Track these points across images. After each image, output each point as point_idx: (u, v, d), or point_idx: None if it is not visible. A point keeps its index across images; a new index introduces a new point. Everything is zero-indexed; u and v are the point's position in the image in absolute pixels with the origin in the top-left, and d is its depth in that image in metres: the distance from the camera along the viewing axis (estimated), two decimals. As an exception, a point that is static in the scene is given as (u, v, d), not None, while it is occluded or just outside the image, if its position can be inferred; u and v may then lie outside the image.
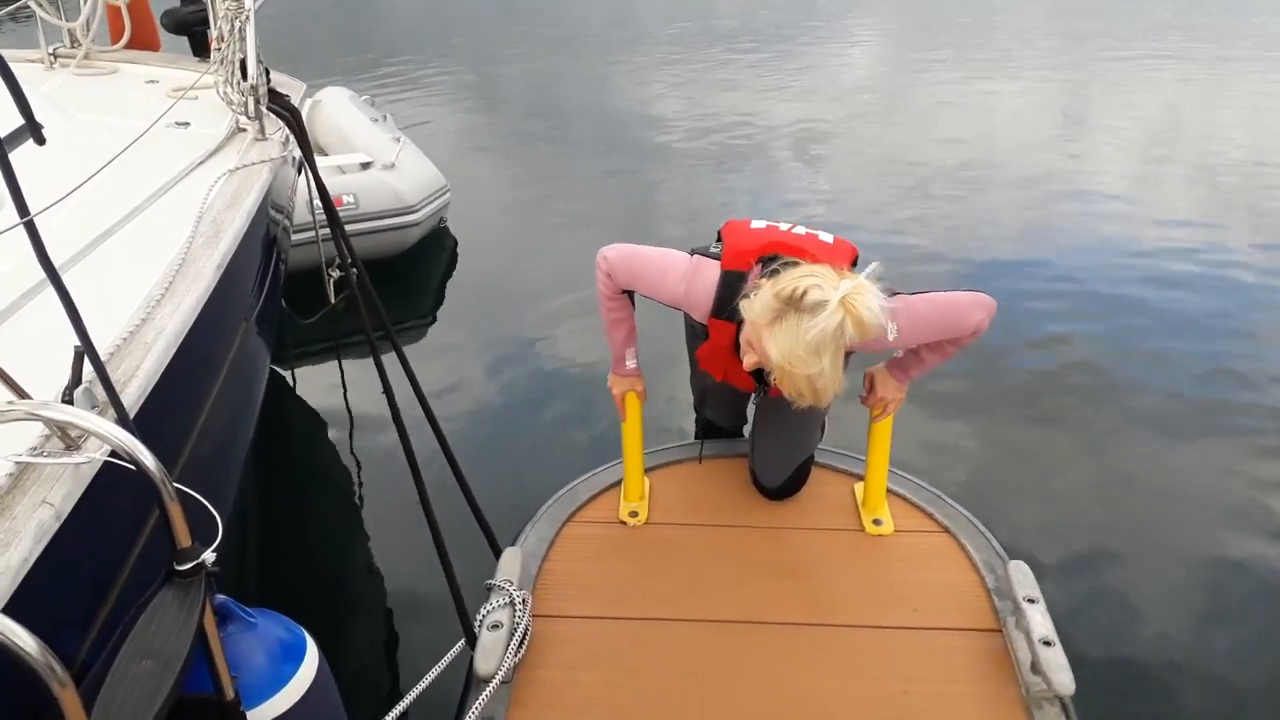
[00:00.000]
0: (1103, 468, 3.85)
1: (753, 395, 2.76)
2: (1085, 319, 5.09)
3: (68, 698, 1.11)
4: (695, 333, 2.61)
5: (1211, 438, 4.03)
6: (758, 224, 2.40)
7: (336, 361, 4.54)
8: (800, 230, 2.38)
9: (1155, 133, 8.91)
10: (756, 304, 2.04)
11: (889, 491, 2.88)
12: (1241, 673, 2.88)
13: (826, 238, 2.37)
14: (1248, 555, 3.34)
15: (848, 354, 2.15)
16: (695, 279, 2.31)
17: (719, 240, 2.42)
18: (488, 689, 2.16)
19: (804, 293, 1.94)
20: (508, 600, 2.37)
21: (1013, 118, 9.44)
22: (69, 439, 1.45)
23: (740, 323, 2.17)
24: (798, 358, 1.94)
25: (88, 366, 1.49)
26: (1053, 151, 8.29)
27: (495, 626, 2.30)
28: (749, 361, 2.14)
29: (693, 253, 2.41)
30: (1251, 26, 14.35)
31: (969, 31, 14.16)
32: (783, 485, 2.85)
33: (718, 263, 2.30)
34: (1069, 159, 8.09)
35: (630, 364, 2.69)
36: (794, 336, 1.94)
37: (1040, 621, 2.28)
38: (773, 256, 2.19)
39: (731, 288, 2.21)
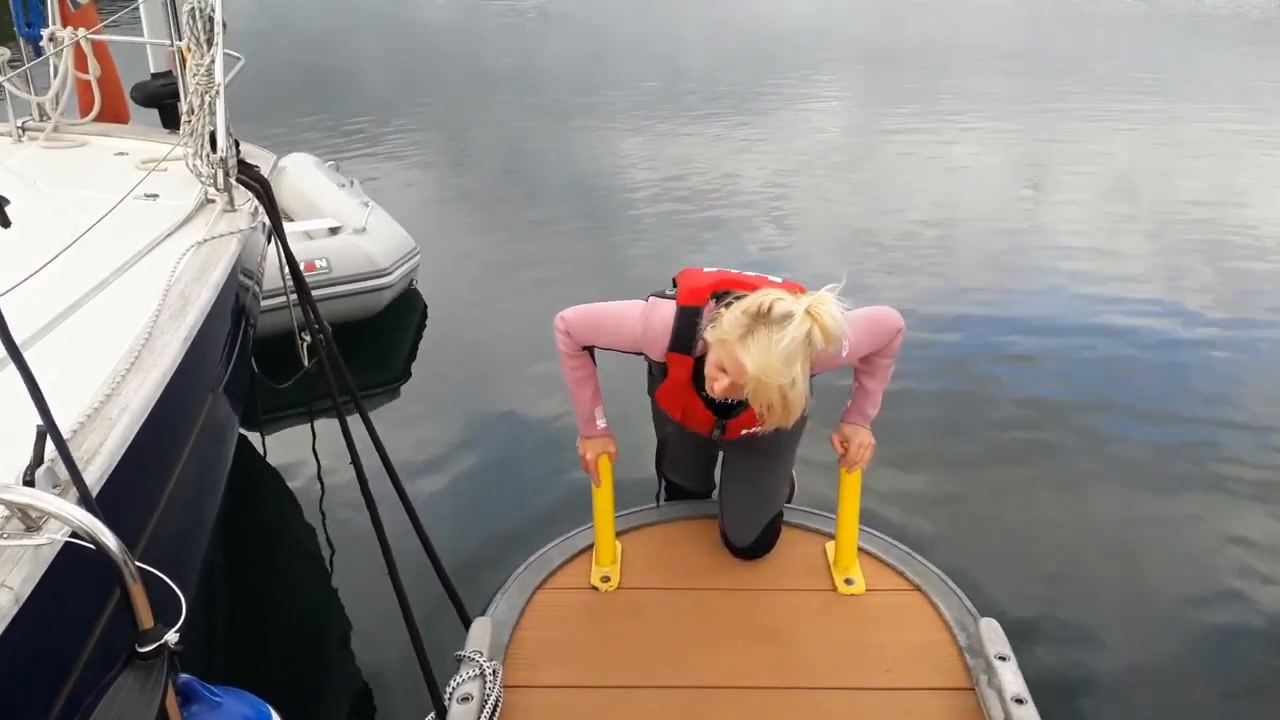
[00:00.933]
0: (1072, 521, 3.88)
1: (713, 438, 2.69)
2: (1051, 372, 5.16)
3: (23, 788, 1.09)
4: (654, 377, 2.65)
5: (1180, 488, 4.08)
6: (710, 269, 2.49)
7: (309, 426, 4.52)
8: (750, 273, 2.47)
9: (1116, 185, 9.13)
10: (725, 322, 2.16)
11: (860, 550, 2.89)
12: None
13: (776, 279, 2.45)
14: (1219, 609, 3.37)
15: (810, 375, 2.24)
16: (652, 317, 2.39)
17: (674, 285, 2.50)
18: (458, 763, 2.13)
19: (770, 306, 2.08)
20: (478, 672, 2.34)
21: (974, 173, 9.65)
22: (29, 520, 1.44)
23: (698, 357, 2.31)
24: (772, 368, 2.05)
25: (50, 446, 1.48)
26: (1014, 206, 8.46)
27: (465, 699, 2.28)
28: (721, 386, 2.20)
29: (648, 298, 2.49)
30: (1203, 80, 14.83)
31: (928, 89, 14.52)
32: (754, 544, 2.86)
33: (673, 301, 2.39)
34: (1030, 213, 8.26)
35: (600, 423, 2.72)
36: (767, 348, 2.05)
37: (1012, 679, 2.29)
38: (725, 292, 2.30)
39: (687, 322, 2.32)
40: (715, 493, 3.11)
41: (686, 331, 2.32)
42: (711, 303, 2.30)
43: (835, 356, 2.26)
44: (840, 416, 2.77)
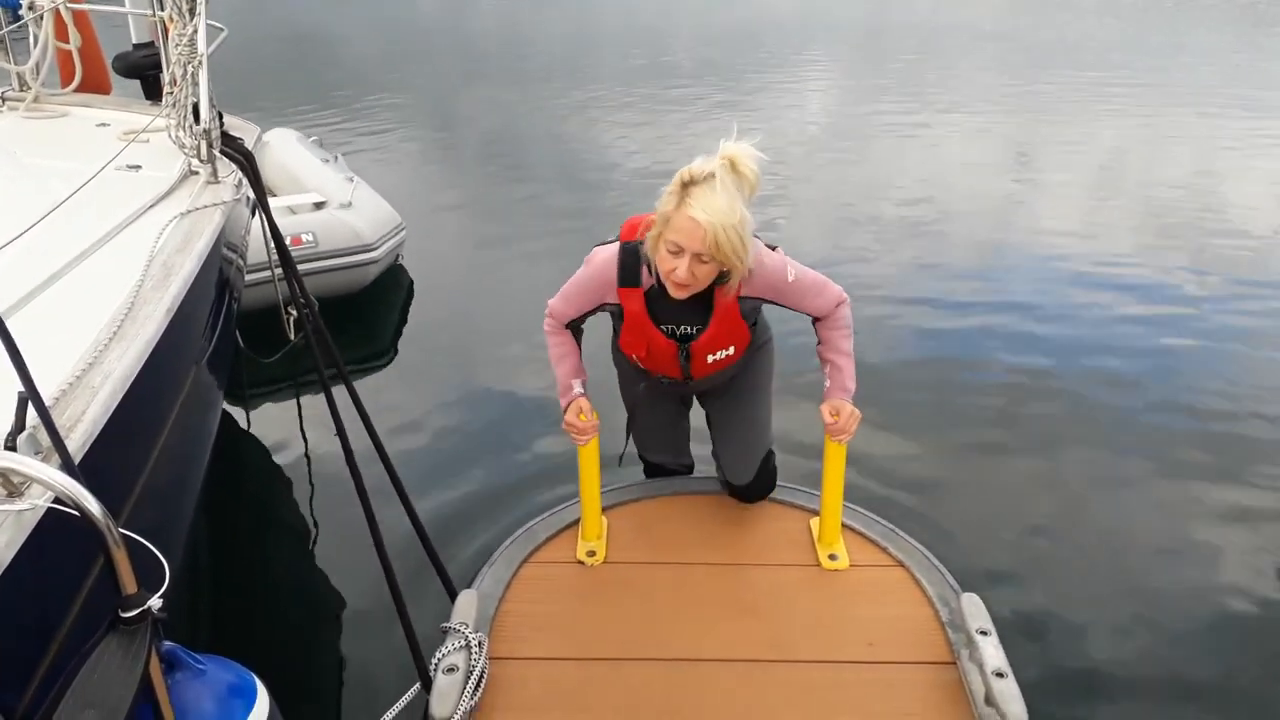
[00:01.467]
0: (1055, 499, 3.91)
1: (685, 380, 2.76)
2: (1036, 350, 5.18)
3: (6, 750, 1.09)
4: (616, 331, 2.77)
5: (1163, 467, 4.11)
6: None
7: (295, 401, 4.50)
8: None
9: (1102, 165, 9.17)
10: (662, 203, 2.33)
11: (844, 526, 2.91)
12: (1193, 700, 2.93)
13: None
14: (1201, 584, 3.40)
15: (767, 302, 2.53)
16: (596, 259, 2.57)
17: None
18: (443, 733, 2.14)
19: (690, 171, 2.28)
20: (463, 643, 2.35)
21: (964, 153, 9.67)
22: (11, 485, 1.43)
23: (648, 290, 2.49)
24: (720, 210, 2.22)
25: (32, 412, 1.47)
26: (1004, 187, 8.49)
27: (451, 670, 2.28)
28: (682, 269, 2.30)
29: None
30: (1188, 68, 14.87)
31: (918, 68, 14.50)
32: (754, 482, 2.93)
33: (616, 243, 2.55)
34: (1020, 194, 8.30)
35: (576, 389, 2.73)
36: (708, 197, 2.23)
37: (993, 654, 2.31)
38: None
39: (630, 255, 2.49)
40: (705, 467, 3.13)
41: (631, 264, 2.48)
42: (646, 235, 2.43)
43: (784, 281, 2.47)
44: (822, 397, 2.77)
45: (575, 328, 2.78)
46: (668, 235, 2.31)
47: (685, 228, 2.26)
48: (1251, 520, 3.76)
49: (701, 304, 2.49)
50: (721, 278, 2.42)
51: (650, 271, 2.46)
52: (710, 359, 2.62)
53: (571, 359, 2.75)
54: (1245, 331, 5.49)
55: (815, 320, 2.70)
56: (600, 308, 2.63)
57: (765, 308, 2.69)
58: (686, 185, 2.28)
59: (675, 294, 2.39)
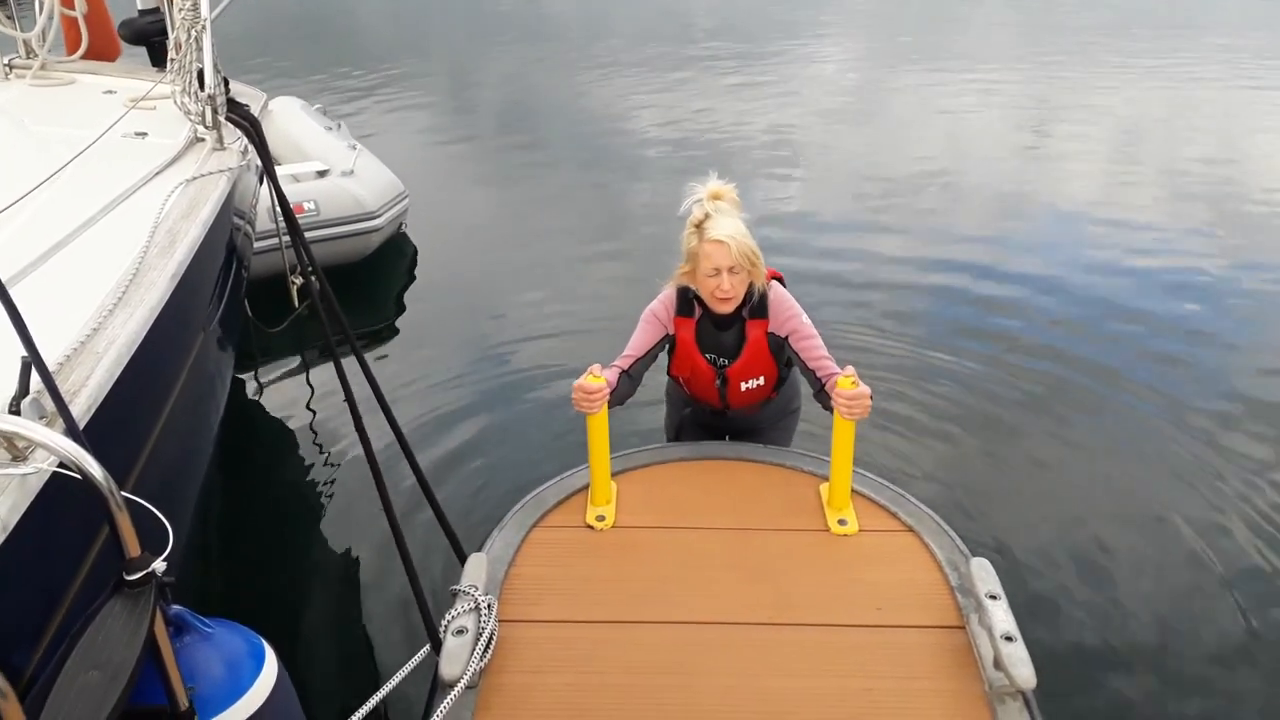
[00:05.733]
0: (1063, 466, 3.89)
1: (721, 405, 3.07)
2: (1046, 317, 5.15)
3: (10, 710, 1.09)
4: (670, 360, 3.12)
5: (1172, 438, 4.08)
6: None
7: (303, 369, 4.52)
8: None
9: (1120, 135, 9.03)
10: (686, 246, 2.80)
11: (854, 492, 2.89)
12: (1198, 666, 2.93)
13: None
14: (1206, 551, 3.39)
15: (788, 344, 2.89)
16: (659, 303, 2.97)
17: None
18: (452, 694, 2.15)
19: (695, 217, 2.78)
20: (473, 605, 2.36)
21: (986, 124, 9.53)
22: (16, 450, 1.43)
23: (697, 317, 2.93)
24: (728, 226, 2.73)
25: (36, 377, 1.47)
26: (1024, 161, 8.38)
27: (460, 632, 2.29)
28: (726, 284, 2.76)
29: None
30: (1213, 35, 14.60)
31: (939, 38, 14.30)
32: None
33: (673, 288, 2.97)
34: (1040, 168, 8.18)
35: (599, 367, 2.74)
36: (719, 223, 2.74)
37: (1002, 618, 2.30)
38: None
39: (683, 293, 2.94)
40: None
41: (685, 299, 2.93)
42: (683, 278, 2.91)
43: (795, 312, 2.89)
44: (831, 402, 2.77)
45: (637, 376, 2.94)
46: (703, 264, 2.76)
47: (715, 250, 2.72)
48: (1271, 493, 3.73)
49: (735, 339, 2.94)
50: (761, 306, 2.90)
51: (697, 307, 2.91)
52: (744, 386, 2.99)
53: (611, 375, 2.82)
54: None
55: (816, 380, 2.88)
56: (663, 341, 2.99)
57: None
58: (699, 224, 2.77)
59: (721, 309, 2.83)
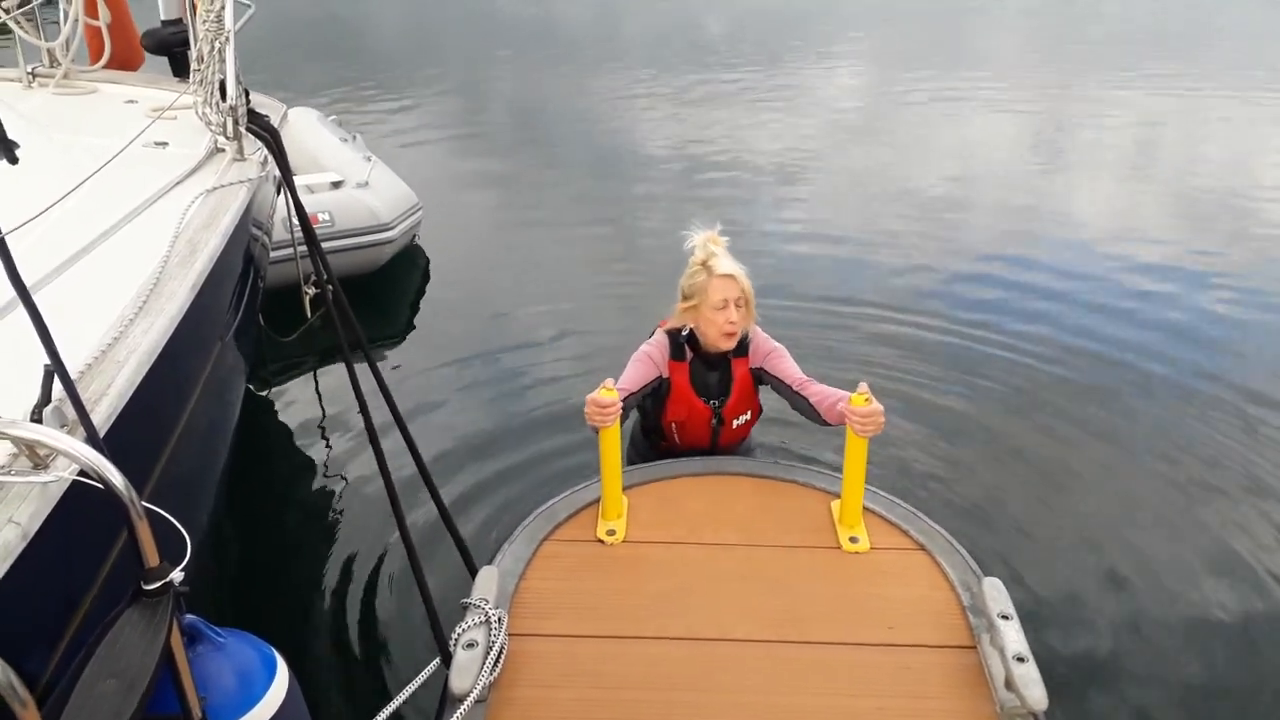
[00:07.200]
0: (1077, 484, 3.87)
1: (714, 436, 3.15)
2: (1060, 335, 5.13)
3: (28, 716, 1.10)
4: (640, 431, 3.28)
5: (1188, 456, 4.06)
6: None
7: (314, 379, 4.53)
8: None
9: (1138, 153, 9.01)
10: (692, 282, 2.90)
11: (865, 509, 2.89)
12: (1211, 688, 2.90)
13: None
14: (1221, 574, 3.37)
15: (767, 374, 3.01)
16: (653, 346, 3.05)
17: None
18: (462, 708, 2.15)
19: (699, 258, 2.91)
20: (483, 619, 2.36)
21: (995, 140, 9.53)
22: (37, 458, 1.44)
23: (689, 360, 3.02)
24: (733, 264, 2.89)
25: (58, 385, 1.49)
26: (1035, 175, 8.37)
27: (471, 645, 2.29)
28: (734, 315, 2.89)
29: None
30: (1223, 50, 14.57)
31: (948, 53, 14.31)
32: None
33: (663, 333, 3.07)
34: (1051, 182, 8.17)
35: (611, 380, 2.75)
36: (724, 261, 2.89)
37: (1014, 638, 2.29)
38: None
39: (674, 338, 3.04)
40: None
41: (677, 344, 3.03)
42: (683, 316, 3.00)
43: (770, 345, 3.03)
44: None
45: (628, 410, 2.96)
46: (712, 296, 2.87)
47: (723, 284, 2.86)
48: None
49: (722, 378, 3.06)
50: (741, 345, 3.01)
51: (688, 350, 3.01)
52: (735, 423, 3.09)
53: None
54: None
55: (800, 397, 2.95)
56: (654, 381, 3.02)
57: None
58: (705, 263, 2.90)
59: (723, 345, 2.94)
